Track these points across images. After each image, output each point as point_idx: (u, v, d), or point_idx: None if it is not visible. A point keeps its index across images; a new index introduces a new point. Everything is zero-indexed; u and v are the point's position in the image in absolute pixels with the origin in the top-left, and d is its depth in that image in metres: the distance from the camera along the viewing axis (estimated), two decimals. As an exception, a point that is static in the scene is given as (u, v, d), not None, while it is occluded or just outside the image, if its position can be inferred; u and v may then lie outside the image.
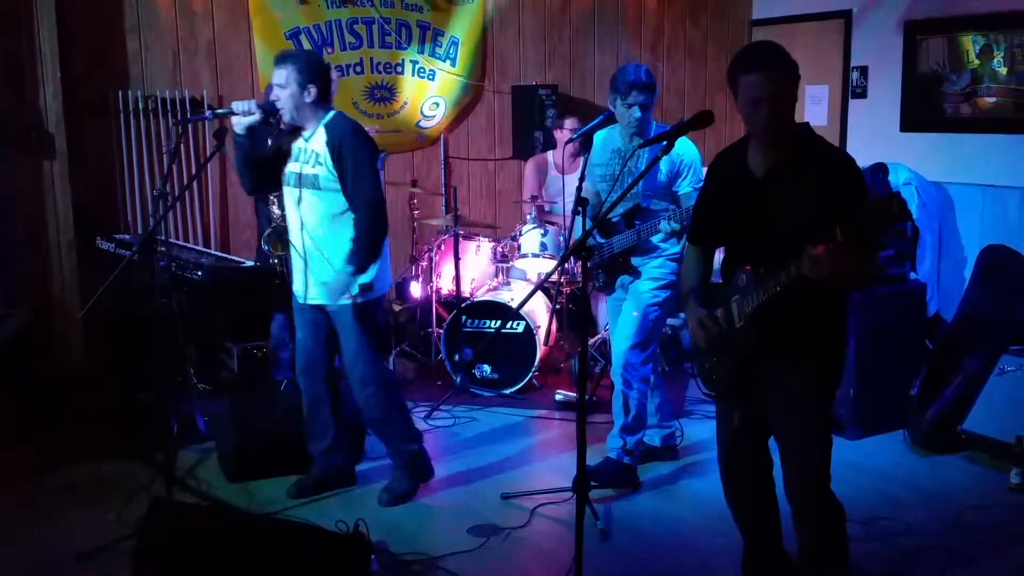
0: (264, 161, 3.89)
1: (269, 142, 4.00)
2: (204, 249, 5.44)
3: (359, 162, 3.71)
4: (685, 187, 4.00)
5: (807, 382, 2.78)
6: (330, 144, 3.73)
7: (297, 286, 3.97)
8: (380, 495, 3.99)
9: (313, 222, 3.81)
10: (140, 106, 5.34)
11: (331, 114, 3.82)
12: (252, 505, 3.94)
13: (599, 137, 4.21)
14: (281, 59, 3.75)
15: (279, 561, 3.02)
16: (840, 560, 2.89)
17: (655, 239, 4.09)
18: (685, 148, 4.00)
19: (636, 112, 3.94)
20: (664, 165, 3.97)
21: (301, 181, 3.82)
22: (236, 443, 4.21)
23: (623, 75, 3.96)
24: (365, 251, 3.73)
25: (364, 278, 3.77)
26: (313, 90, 3.71)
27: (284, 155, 3.89)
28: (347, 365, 3.95)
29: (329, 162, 3.73)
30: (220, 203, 5.69)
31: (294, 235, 3.91)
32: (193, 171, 5.48)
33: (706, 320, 2.84)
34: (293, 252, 3.96)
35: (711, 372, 2.97)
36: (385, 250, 3.89)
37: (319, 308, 3.92)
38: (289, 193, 3.88)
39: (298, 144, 3.84)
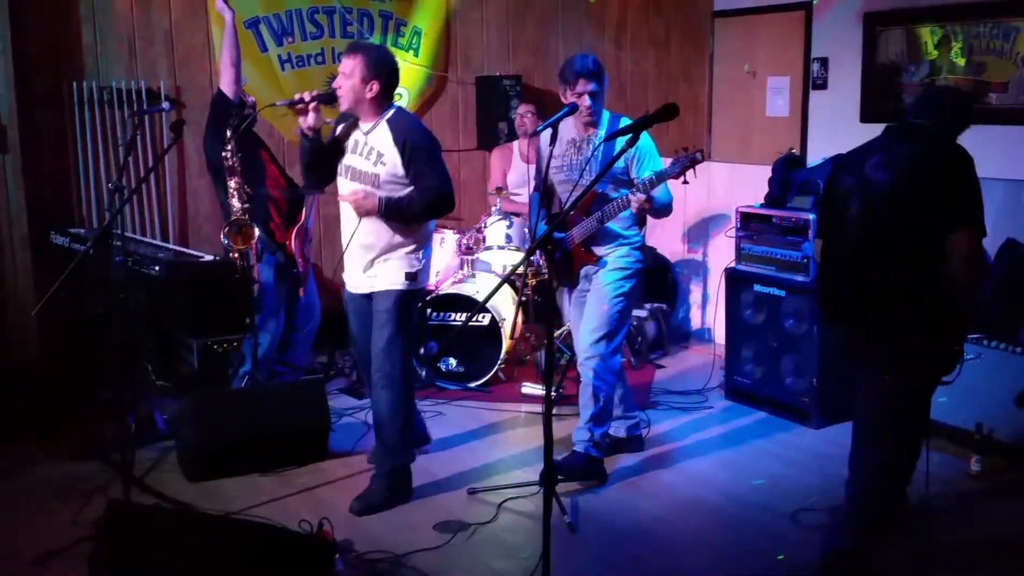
0: (326, 156, 3.87)
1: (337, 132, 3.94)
2: (162, 243, 5.34)
3: (430, 153, 3.78)
4: (646, 172, 3.98)
5: None
6: (397, 142, 3.72)
7: (350, 277, 3.97)
8: (352, 503, 3.87)
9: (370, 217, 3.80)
10: (95, 97, 5.21)
11: (393, 111, 3.82)
12: (213, 506, 3.87)
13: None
14: (351, 49, 3.75)
15: (241, 563, 2.98)
16: None
17: (618, 225, 4.07)
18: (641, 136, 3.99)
19: (587, 100, 3.97)
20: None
21: (358, 176, 3.81)
22: (196, 442, 4.14)
23: (570, 66, 4.00)
24: (405, 207, 3.73)
25: (413, 266, 3.82)
26: (376, 86, 3.70)
27: (342, 148, 3.87)
28: (375, 356, 3.88)
29: (395, 159, 3.72)
30: (178, 196, 5.58)
31: (348, 225, 3.88)
32: (150, 163, 5.37)
33: None
34: (350, 244, 3.88)
35: None
36: (428, 250, 3.95)
37: (367, 297, 3.92)
38: (345, 185, 3.87)
39: (355, 137, 3.83)
